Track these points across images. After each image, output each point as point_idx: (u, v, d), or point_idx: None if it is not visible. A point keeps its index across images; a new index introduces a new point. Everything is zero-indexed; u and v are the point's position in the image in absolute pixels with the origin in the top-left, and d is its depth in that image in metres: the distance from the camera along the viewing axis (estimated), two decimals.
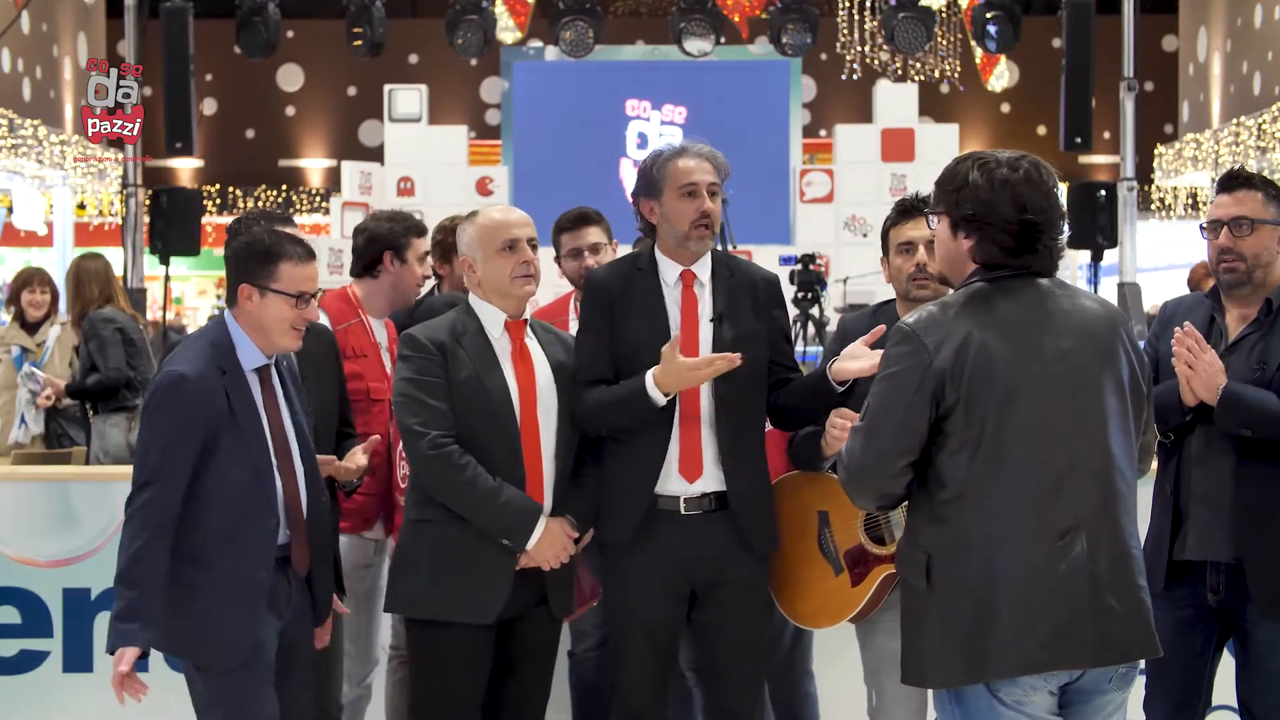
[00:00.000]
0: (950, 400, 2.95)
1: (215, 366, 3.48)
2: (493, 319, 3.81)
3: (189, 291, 25.06)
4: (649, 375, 3.67)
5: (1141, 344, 3.36)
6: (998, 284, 3.04)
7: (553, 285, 4.76)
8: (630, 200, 3.96)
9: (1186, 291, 7.09)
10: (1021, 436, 2.93)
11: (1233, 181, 3.81)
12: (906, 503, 3.15)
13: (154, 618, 3.36)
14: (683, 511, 3.78)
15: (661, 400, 3.68)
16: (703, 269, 3.88)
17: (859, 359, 3.65)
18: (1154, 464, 3.90)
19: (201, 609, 3.45)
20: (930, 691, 3.19)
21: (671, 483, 3.79)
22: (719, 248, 3.99)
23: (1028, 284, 3.04)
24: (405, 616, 3.85)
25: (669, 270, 3.88)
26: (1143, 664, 3.92)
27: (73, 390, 6.99)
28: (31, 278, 7.50)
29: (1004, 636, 2.91)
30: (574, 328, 4.49)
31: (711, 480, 3.79)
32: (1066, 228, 3.17)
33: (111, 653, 3.38)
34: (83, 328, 7.01)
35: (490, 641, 3.74)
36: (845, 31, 17.91)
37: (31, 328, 7.36)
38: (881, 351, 3.18)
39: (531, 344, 3.84)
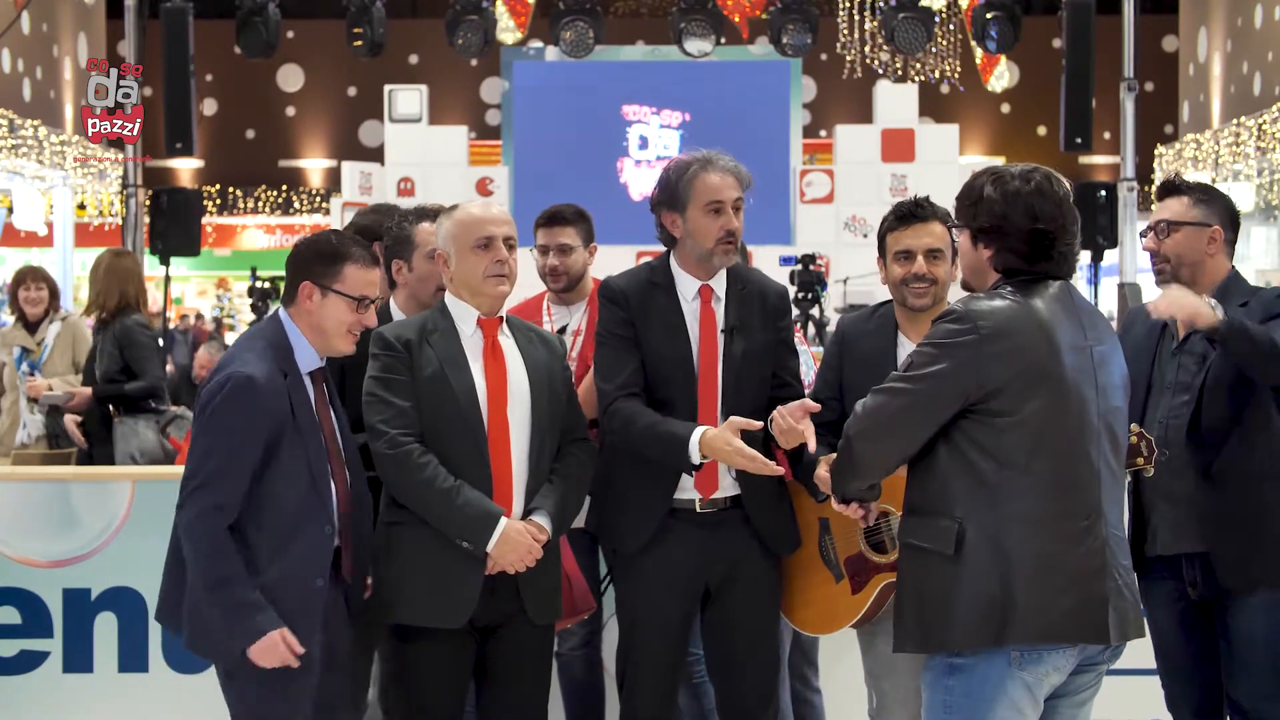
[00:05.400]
0: (999, 380, 3.07)
1: (278, 369, 3.42)
2: (465, 316, 3.71)
3: (189, 291, 25.08)
4: (696, 436, 3.64)
5: None
6: (1024, 286, 3.19)
7: (531, 285, 4.71)
8: (650, 208, 3.93)
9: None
10: (1065, 424, 3.10)
11: (1161, 190, 3.99)
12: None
13: (261, 601, 3.32)
14: (698, 510, 3.78)
15: (697, 460, 3.65)
16: (719, 283, 3.88)
17: (791, 432, 3.57)
18: None
19: None
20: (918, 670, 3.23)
21: (687, 491, 3.79)
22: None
23: (1049, 286, 3.21)
24: (378, 621, 3.72)
25: (687, 285, 3.85)
26: (1140, 663, 3.96)
27: (106, 395, 6.87)
28: (26, 275, 7.42)
29: (1031, 605, 3.05)
30: (545, 327, 4.47)
31: (727, 487, 3.80)
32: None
33: (240, 652, 3.33)
34: (114, 331, 6.88)
35: (469, 649, 3.66)
36: (845, 31, 17.92)
37: (32, 327, 7.32)
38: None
39: (506, 343, 3.73)
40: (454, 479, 3.56)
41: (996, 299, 3.15)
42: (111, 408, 6.89)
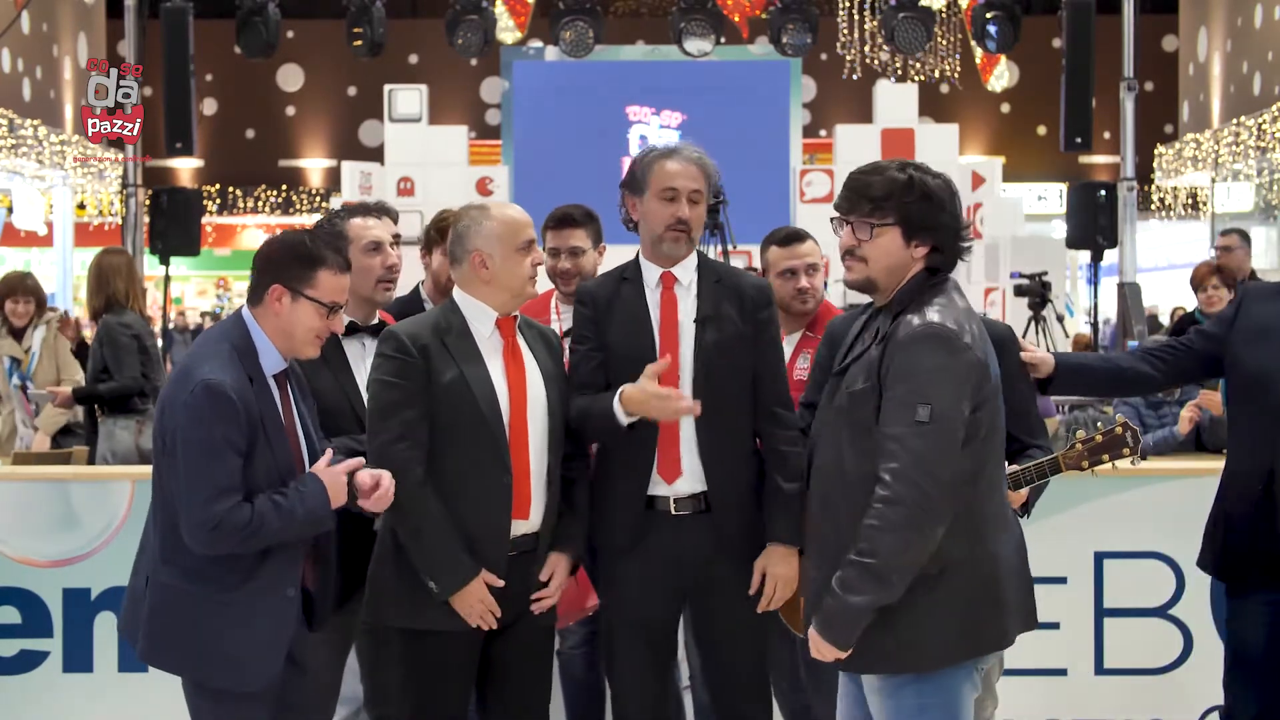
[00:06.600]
0: (983, 394, 3.07)
1: (244, 374, 3.32)
2: (482, 316, 3.67)
3: (189, 291, 25.09)
4: (617, 394, 3.65)
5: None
6: (941, 288, 3.17)
7: (545, 283, 4.72)
8: (620, 190, 3.95)
9: (1189, 291, 7.10)
10: (997, 428, 3.15)
11: None
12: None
13: (292, 492, 3.29)
14: (673, 511, 3.77)
15: (624, 420, 3.64)
16: (684, 271, 3.86)
17: None
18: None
19: (230, 630, 3.31)
20: (865, 682, 3.19)
21: (656, 484, 3.77)
22: (719, 250, 3.98)
23: (951, 284, 3.21)
24: (387, 626, 3.66)
25: (650, 273, 3.86)
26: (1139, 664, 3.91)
27: (83, 395, 6.93)
28: (16, 288, 7.36)
29: (1009, 609, 3.14)
30: (554, 326, 4.48)
31: (696, 481, 3.77)
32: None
33: (349, 502, 3.37)
34: (98, 330, 6.95)
35: (475, 650, 3.64)
36: (845, 31, 17.93)
37: (19, 334, 7.31)
38: None
39: (521, 342, 3.73)
40: (444, 512, 3.52)
41: (949, 308, 3.08)
42: (97, 407, 6.94)
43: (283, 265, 3.40)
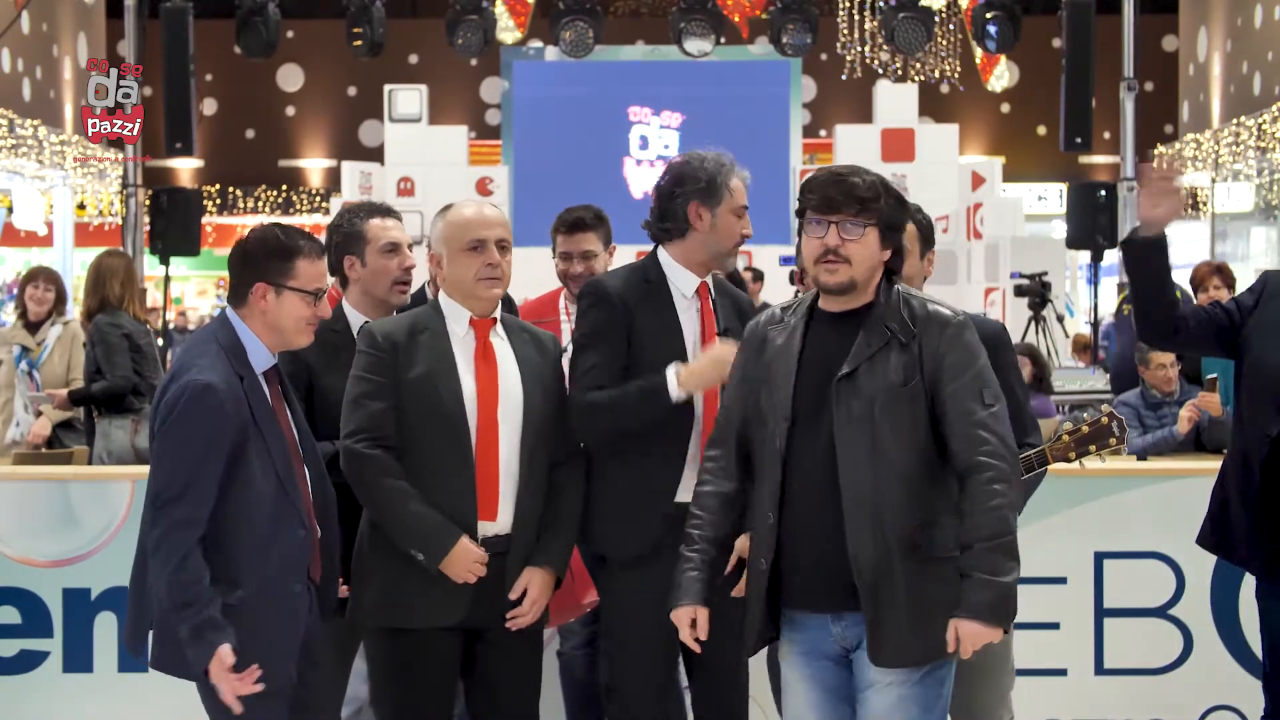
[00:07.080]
0: None
1: (234, 372, 3.32)
2: (457, 316, 3.67)
3: (189, 291, 25.09)
4: (670, 371, 3.63)
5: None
6: (907, 287, 3.31)
7: (542, 283, 4.70)
8: (658, 194, 3.84)
9: (1188, 291, 7.09)
10: None
11: None
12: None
13: (221, 621, 3.22)
14: None
15: (678, 396, 3.62)
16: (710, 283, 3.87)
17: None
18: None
19: (240, 631, 3.29)
20: (893, 675, 3.18)
21: (685, 493, 3.70)
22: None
23: None
24: (370, 625, 3.68)
25: (686, 282, 3.81)
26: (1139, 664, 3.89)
27: (78, 397, 6.98)
28: (37, 274, 7.48)
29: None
30: (564, 326, 4.45)
31: None
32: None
33: (201, 672, 3.22)
34: (89, 332, 7.00)
35: (457, 649, 3.63)
36: (845, 31, 17.90)
37: (34, 326, 7.35)
38: None
39: (499, 344, 3.68)
40: (414, 490, 3.54)
41: (941, 302, 3.27)
42: (94, 407, 6.97)
43: (260, 262, 3.41)
